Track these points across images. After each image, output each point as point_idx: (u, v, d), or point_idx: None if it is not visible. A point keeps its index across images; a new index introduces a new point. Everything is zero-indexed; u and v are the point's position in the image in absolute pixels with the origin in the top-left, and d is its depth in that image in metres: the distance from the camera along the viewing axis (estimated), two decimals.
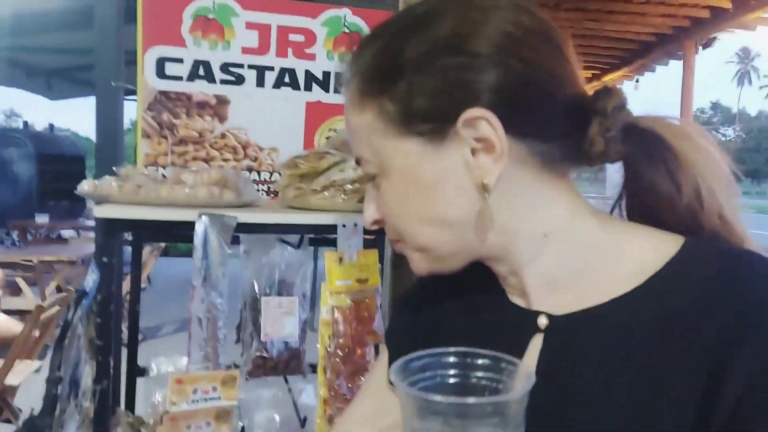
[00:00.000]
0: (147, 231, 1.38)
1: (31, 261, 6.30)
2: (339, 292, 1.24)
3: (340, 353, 1.22)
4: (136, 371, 1.75)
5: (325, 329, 1.25)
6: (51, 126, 12.56)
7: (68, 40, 5.54)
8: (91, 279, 1.24)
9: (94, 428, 1.25)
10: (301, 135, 1.81)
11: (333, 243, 1.27)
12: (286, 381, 1.66)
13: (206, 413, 1.20)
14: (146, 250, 7.24)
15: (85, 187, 1.30)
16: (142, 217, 1.19)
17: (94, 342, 1.24)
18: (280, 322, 1.57)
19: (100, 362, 1.24)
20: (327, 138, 1.69)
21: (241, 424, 1.48)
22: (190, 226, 1.20)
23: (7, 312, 4.85)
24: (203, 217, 1.16)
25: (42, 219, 9.64)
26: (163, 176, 1.58)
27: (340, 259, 1.24)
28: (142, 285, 7.20)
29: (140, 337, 5.19)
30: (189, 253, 1.20)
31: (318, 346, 1.26)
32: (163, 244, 7.53)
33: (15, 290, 6.02)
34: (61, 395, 1.23)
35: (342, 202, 1.33)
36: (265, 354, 1.56)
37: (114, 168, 1.50)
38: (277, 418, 1.57)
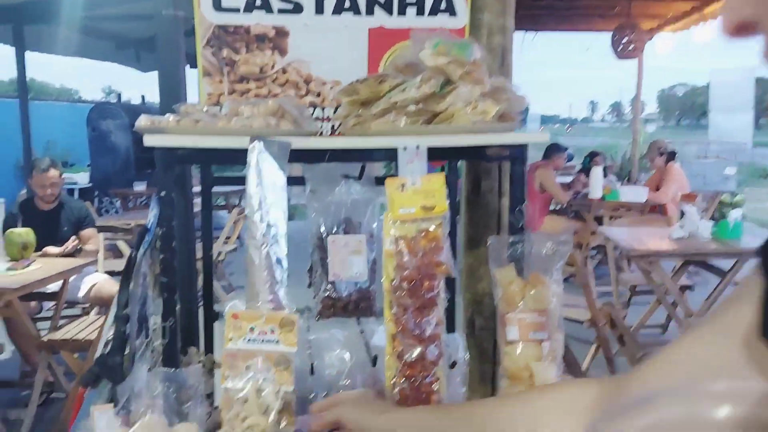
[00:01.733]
0: (205, 160, 1.34)
1: (129, 224, 6.62)
2: (402, 220, 1.14)
3: (406, 286, 1.14)
4: (212, 314, 1.74)
5: (389, 261, 1.16)
6: (143, 98, 13.09)
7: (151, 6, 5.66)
8: (152, 215, 1.22)
9: (164, 365, 1.24)
10: (364, 65, 1.71)
11: None
12: (358, 322, 1.61)
13: (265, 356, 1.15)
14: (235, 211, 7.48)
15: (142, 121, 1.27)
16: (194, 145, 1.14)
17: (159, 279, 1.22)
18: (348, 261, 1.50)
19: (166, 299, 1.22)
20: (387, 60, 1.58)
21: (311, 362, 1.44)
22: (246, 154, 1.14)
23: (110, 273, 5.14)
24: (256, 142, 1.10)
25: (140, 187, 10.14)
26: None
27: (402, 186, 1.15)
28: (234, 246, 7.42)
29: (233, 294, 5.31)
30: None
31: (383, 280, 1.18)
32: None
33: (116, 253, 6.38)
34: (130, 333, 1.22)
35: (404, 127, 1.22)
36: (334, 294, 1.50)
37: (173, 106, 1.47)
38: (347, 357, 1.52)
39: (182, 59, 1.68)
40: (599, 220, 6.92)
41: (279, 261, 1.16)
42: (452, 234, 1.75)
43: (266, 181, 1.11)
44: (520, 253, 1.27)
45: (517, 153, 1.22)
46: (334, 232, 1.53)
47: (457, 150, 1.20)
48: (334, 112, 1.69)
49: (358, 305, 1.51)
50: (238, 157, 1.14)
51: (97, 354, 1.27)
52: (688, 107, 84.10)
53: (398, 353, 1.16)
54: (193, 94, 1.92)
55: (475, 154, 1.21)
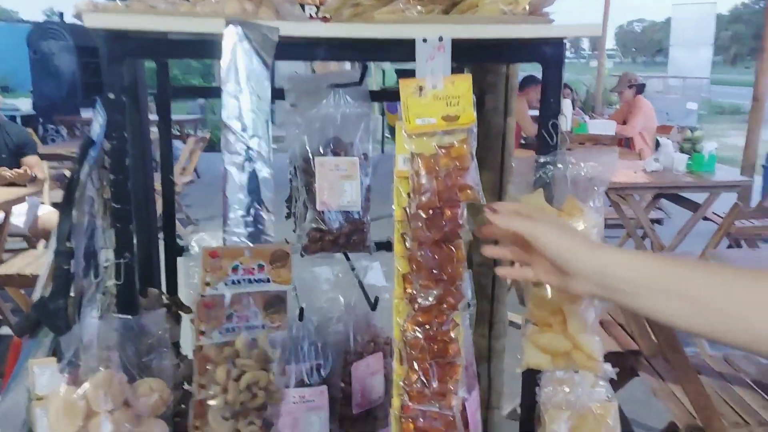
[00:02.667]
0: (163, 52, 1.06)
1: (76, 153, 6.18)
2: (420, 133, 0.92)
3: (423, 215, 0.92)
4: (175, 249, 1.50)
5: (402, 185, 0.94)
6: None
7: None
8: (96, 124, 0.96)
9: (120, 311, 1.01)
10: None
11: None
12: (348, 258, 1.39)
13: (252, 300, 0.93)
14: (191, 141, 7.08)
15: (81, 5, 0.98)
16: (151, 27, 0.87)
17: (109, 205, 0.97)
18: (338, 187, 1.27)
19: (119, 230, 0.97)
20: None
21: (299, 305, 1.23)
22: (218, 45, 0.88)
23: (56, 205, 4.79)
24: (233, 26, 0.84)
25: (88, 114, 9.53)
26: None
27: (420, 89, 0.91)
28: (190, 178, 7.09)
29: (191, 228, 5.04)
30: None
31: (394, 206, 0.96)
32: (207, 136, 7.33)
33: (64, 183, 5.97)
34: (75, 272, 0.98)
35: (416, 16, 0.98)
36: (322, 226, 1.28)
37: None
38: (341, 299, 1.31)
39: None
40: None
41: (265, 181, 0.93)
42: None
43: (246, 79, 0.86)
44: (551, 177, 1.06)
45: (556, 52, 0.99)
46: (320, 153, 1.29)
47: (486, 47, 0.96)
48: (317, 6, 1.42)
49: (349, 239, 1.29)
50: (206, 47, 0.88)
51: (35, 296, 1.03)
52: (646, 44, 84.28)
53: (410, 296, 0.96)
54: None
55: (506, 53, 0.98)
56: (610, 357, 3.13)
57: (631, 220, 4.90)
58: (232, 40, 0.84)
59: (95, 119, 0.97)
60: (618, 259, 0.78)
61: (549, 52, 1.00)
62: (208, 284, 0.88)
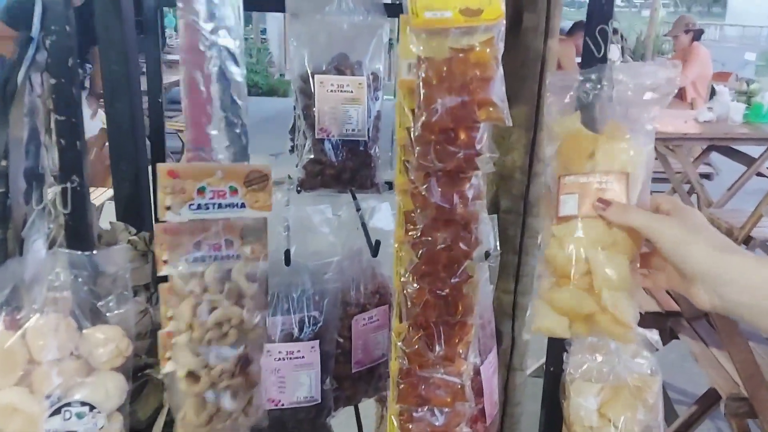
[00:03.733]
0: None
1: None
2: (430, 31, 0.71)
3: (432, 138, 0.73)
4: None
5: (407, 98, 0.75)
6: None
7: None
8: (35, 16, 0.78)
9: (69, 244, 0.86)
10: None
11: None
12: (354, 197, 1.21)
13: (226, 227, 0.77)
14: None
15: None
16: None
17: (52, 116, 0.80)
18: (341, 112, 1.09)
19: (64, 147, 0.81)
20: None
21: (288, 248, 1.06)
22: None
23: None
24: None
25: None
26: None
27: None
28: None
29: None
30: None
31: (395, 128, 0.77)
32: None
33: None
34: (12, 197, 0.82)
35: None
36: (322, 158, 1.09)
37: None
38: (342, 243, 1.14)
39: None
40: None
41: (237, 86, 0.74)
42: None
43: None
44: (594, 97, 0.85)
45: None
46: (322, 71, 1.10)
47: None
48: None
49: (354, 174, 1.11)
50: None
51: None
52: None
53: (413, 241, 0.78)
54: None
55: None
56: (647, 318, 2.93)
57: (677, 174, 4.61)
58: None
59: (36, 9, 0.79)
60: (744, 265, 0.67)
61: None
62: (168, 208, 0.72)
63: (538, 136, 1.41)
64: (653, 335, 0.90)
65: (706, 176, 5.00)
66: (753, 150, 4.34)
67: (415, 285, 0.78)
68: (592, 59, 0.83)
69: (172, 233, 0.75)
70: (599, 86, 0.83)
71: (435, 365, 0.82)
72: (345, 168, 1.11)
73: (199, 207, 0.75)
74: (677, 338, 2.55)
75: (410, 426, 0.84)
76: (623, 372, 0.96)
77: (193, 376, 0.80)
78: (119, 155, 1.26)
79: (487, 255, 0.95)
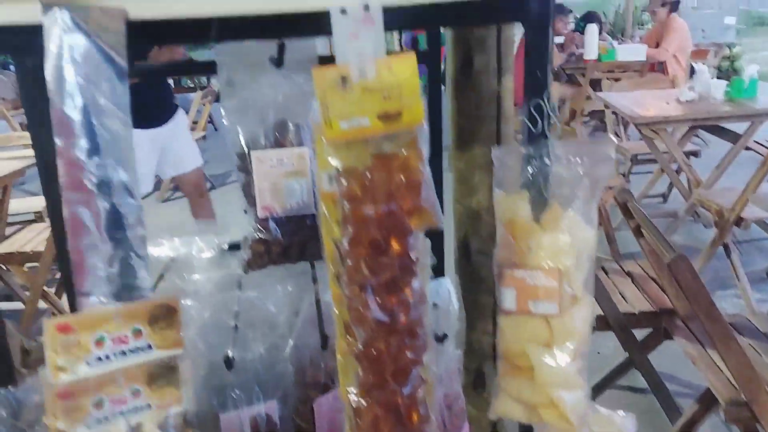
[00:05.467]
0: None
1: None
2: (348, 142, 0.66)
3: (363, 251, 0.67)
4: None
5: (331, 211, 0.69)
6: None
7: None
8: None
9: None
10: None
11: None
12: (313, 266, 1.15)
13: (129, 376, 0.70)
14: (198, 95, 6.80)
15: None
16: None
17: None
18: (284, 187, 1.03)
19: None
20: None
21: (234, 323, 1.00)
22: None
23: None
24: (57, 11, 0.57)
25: None
26: None
27: (343, 79, 0.64)
28: (203, 133, 6.87)
29: (207, 185, 4.84)
30: None
31: (323, 238, 0.72)
32: (215, 88, 7.03)
33: None
34: None
35: None
36: (266, 236, 1.04)
37: None
38: (296, 319, 1.09)
39: None
40: (594, 84, 6.36)
41: (131, 213, 0.68)
42: (435, 127, 1.27)
43: (83, 84, 0.60)
44: (538, 172, 0.80)
45: (542, 9, 0.71)
46: (260, 144, 1.04)
47: (438, 10, 0.68)
48: None
49: (303, 248, 1.06)
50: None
51: None
52: None
53: (355, 353, 0.72)
54: None
55: (466, 15, 0.70)
56: (642, 317, 2.87)
57: (664, 154, 4.54)
58: (56, 33, 0.58)
59: None
60: None
61: (533, 9, 0.71)
62: (62, 369, 0.65)
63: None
64: (626, 421, 0.85)
65: (694, 153, 4.94)
66: (738, 126, 4.28)
67: (362, 400, 0.73)
68: (531, 135, 0.77)
69: (66, 397, 0.67)
70: (541, 163, 0.78)
71: None
72: (292, 243, 1.05)
73: (99, 360, 0.68)
74: (671, 339, 2.50)
75: None
76: None
77: None
78: None
79: (444, 337, 0.90)
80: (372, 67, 0.64)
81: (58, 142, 0.60)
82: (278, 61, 0.91)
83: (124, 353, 0.68)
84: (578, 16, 8.37)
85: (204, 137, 6.71)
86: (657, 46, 6.44)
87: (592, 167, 0.76)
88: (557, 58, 6.56)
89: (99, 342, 0.67)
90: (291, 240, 1.04)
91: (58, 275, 4.02)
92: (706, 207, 3.84)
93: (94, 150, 0.62)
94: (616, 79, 6.41)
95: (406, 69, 0.65)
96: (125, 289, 0.68)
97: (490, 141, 1.32)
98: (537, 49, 0.75)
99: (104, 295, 0.67)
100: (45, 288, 3.63)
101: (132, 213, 0.67)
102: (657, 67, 6.48)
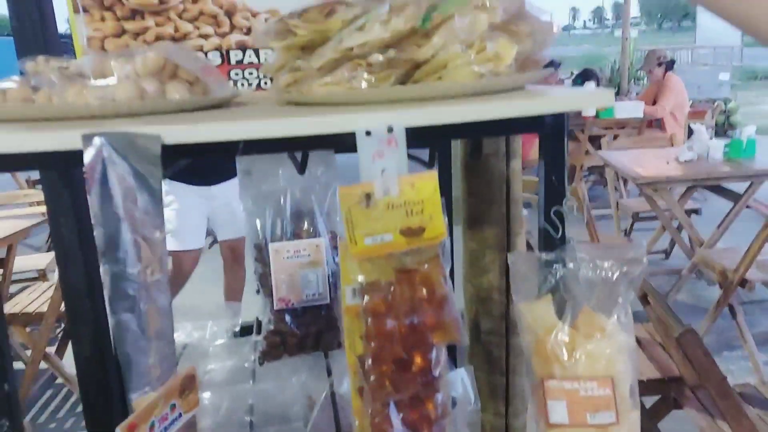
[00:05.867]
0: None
1: None
2: (371, 257, 0.67)
3: (386, 368, 0.68)
4: None
5: (354, 326, 0.70)
6: None
7: None
8: None
9: None
10: None
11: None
12: (326, 355, 1.15)
13: None
14: None
15: None
16: None
17: None
18: (300, 277, 1.04)
19: None
20: None
21: (248, 419, 1.00)
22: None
23: None
24: (97, 140, 0.60)
25: None
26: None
27: (368, 197, 0.66)
28: None
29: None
30: None
31: (346, 350, 0.72)
32: None
33: None
34: None
35: (366, 89, 0.73)
36: (282, 328, 1.04)
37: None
38: (313, 411, 1.08)
39: None
40: (593, 140, 6.46)
41: (164, 312, 0.69)
42: (447, 210, 1.29)
43: (124, 207, 0.62)
44: (559, 278, 0.80)
45: (557, 121, 0.73)
46: (277, 235, 1.06)
47: (459, 128, 0.71)
48: (258, 58, 1.17)
49: (318, 339, 1.06)
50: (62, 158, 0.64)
51: None
52: (671, 9, 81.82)
53: None
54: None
55: (484, 129, 0.73)
56: (649, 385, 2.83)
57: (665, 211, 4.57)
58: (94, 156, 0.60)
59: None
60: None
61: (549, 122, 0.74)
62: None
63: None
64: None
65: (696, 211, 4.97)
66: (737, 185, 4.32)
67: None
68: (551, 241, 0.78)
69: None
70: (564, 268, 0.79)
71: None
72: (308, 334, 1.05)
73: None
74: (680, 408, 2.47)
75: None
76: None
77: None
78: None
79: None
80: (395, 185, 0.66)
81: (102, 259, 0.61)
82: (301, 169, 0.93)
83: (166, 429, 0.69)
84: (576, 72, 8.55)
85: None
86: (654, 103, 6.56)
87: (623, 270, 0.76)
88: None
89: (151, 428, 0.68)
90: (307, 331, 1.05)
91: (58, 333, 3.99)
92: (709, 268, 3.84)
93: (134, 261, 0.63)
94: (615, 136, 6.51)
95: (428, 186, 0.67)
96: (163, 374, 0.70)
97: (501, 222, 1.34)
98: (553, 157, 0.77)
99: (148, 384, 0.69)
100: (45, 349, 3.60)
101: (166, 307, 0.68)
102: (654, 123, 6.59)
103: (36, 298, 3.86)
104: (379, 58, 0.73)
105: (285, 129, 0.64)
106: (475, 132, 0.77)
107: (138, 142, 0.61)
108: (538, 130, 0.75)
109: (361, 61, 0.74)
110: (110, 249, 0.63)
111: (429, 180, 0.67)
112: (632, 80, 11.05)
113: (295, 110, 0.75)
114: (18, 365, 3.84)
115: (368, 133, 0.65)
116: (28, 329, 3.81)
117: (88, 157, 0.60)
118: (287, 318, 1.04)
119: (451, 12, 0.75)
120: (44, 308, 3.60)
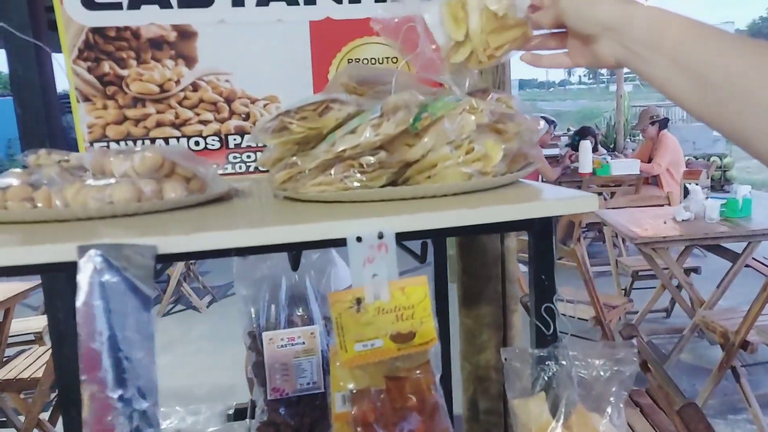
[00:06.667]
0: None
1: None
2: (362, 363, 0.67)
3: None
4: None
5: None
6: None
7: None
8: None
9: None
10: (308, 73, 1.22)
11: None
12: None
13: None
14: None
15: None
16: None
17: None
18: (294, 367, 1.03)
19: None
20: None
21: None
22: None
23: None
24: (92, 252, 0.61)
25: None
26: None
27: (358, 302, 0.67)
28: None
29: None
30: None
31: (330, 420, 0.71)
32: None
33: None
34: None
35: (358, 190, 0.75)
36: (276, 419, 1.03)
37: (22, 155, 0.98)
38: None
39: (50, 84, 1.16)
40: None
41: None
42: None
43: (115, 322, 0.63)
44: (552, 376, 0.80)
45: (542, 223, 0.75)
46: (272, 323, 1.06)
47: (451, 230, 0.72)
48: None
49: (313, 429, 1.05)
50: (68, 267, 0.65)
51: None
52: None
53: None
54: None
55: (473, 229, 0.74)
56: None
57: (664, 270, 4.56)
58: (89, 270, 0.61)
59: None
60: (641, 13, 0.65)
61: (537, 223, 0.76)
62: None
63: (508, 334, 1.36)
64: None
65: (694, 270, 4.97)
66: (735, 245, 4.33)
67: None
68: (543, 338, 0.79)
69: None
70: (557, 365, 0.79)
71: None
72: (303, 424, 1.04)
73: None
74: None
75: None
76: None
77: None
78: None
79: None
80: (386, 290, 0.67)
81: (83, 376, 0.61)
82: (295, 266, 0.94)
83: None
84: (573, 129, 8.67)
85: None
86: (649, 160, 6.64)
87: (616, 370, 0.76)
88: (554, 173, 6.73)
89: None
90: (301, 422, 1.04)
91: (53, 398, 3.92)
92: (711, 329, 3.81)
93: (119, 382, 0.63)
94: (612, 193, 6.56)
95: (419, 291, 0.68)
96: None
97: (497, 300, 1.34)
98: (542, 255, 0.78)
99: None
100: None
101: None
102: (651, 180, 6.66)
103: (31, 363, 3.83)
104: (370, 159, 0.75)
105: (279, 237, 0.66)
106: (464, 232, 0.78)
107: (132, 253, 0.62)
108: (527, 230, 0.77)
109: (353, 162, 0.76)
110: (92, 367, 0.63)
111: (419, 285, 0.68)
112: (628, 137, 11.21)
113: (290, 211, 0.76)
114: (10, 431, 3.77)
115: (359, 239, 0.66)
116: (22, 395, 3.76)
117: (84, 269, 0.61)
118: (281, 409, 1.03)
119: (441, 114, 0.77)
120: (39, 374, 3.56)
